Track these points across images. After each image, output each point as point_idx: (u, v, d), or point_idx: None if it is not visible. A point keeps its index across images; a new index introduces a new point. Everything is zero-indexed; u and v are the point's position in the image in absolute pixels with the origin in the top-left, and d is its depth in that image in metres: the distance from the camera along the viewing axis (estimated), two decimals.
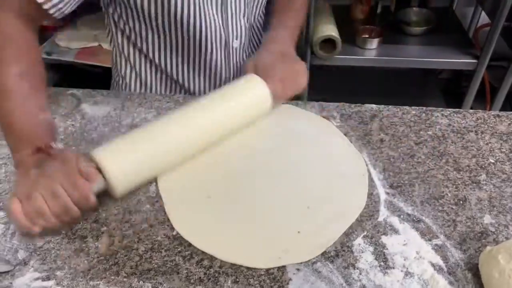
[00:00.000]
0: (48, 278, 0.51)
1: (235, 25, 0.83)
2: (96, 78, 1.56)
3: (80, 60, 1.59)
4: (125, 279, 0.51)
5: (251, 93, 0.68)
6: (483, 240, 0.54)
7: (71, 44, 1.62)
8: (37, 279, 0.51)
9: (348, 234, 0.55)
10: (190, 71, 0.86)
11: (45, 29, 1.66)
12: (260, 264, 0.52)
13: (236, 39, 0.84)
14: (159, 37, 0.81)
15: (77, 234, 0.56)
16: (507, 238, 0.54)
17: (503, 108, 1.60)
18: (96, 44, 1.63)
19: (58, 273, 0.52)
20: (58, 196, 0.51)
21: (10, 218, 0.53)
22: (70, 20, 1.69)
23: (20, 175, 0.56)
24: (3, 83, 0.60)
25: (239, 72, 0.89)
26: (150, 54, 0.84)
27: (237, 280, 0.50)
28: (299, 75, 0.75)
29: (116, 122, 0.75)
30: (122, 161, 0.57)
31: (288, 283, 0.50)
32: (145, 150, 0.59)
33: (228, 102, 0.67)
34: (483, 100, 1.75)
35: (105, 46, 1.61)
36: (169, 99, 0.79)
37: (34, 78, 0.64)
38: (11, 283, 0.51)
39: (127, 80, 0.89)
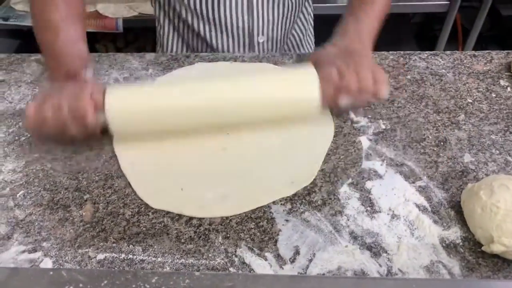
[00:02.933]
0: (34, 250, 0.50)
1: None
2: None
3: None
4: (114, 245, 0.50)
5: (293, 84, 0.59)
6: (464, 178, 0.55)
7: (28, 7, 1.52)
8: (23, 252, 0.50)
9: (334, 182, 0.56)
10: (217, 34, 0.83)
11: None
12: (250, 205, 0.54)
13: (262, 34, 0.81)
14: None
15: (59, 203, 0.55)
16: (487, 175, 0.55)
17: (475, 49, 1.62)
18: None
19: (44, 244, 0.51)
20: (60, 109, 0.56)
21: (25, 118, 0.57)
22: None
23: (45, 88, 0.63)
24: (47, 11, 0.64)
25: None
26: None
27: (228, 235, 0.51)
28: (366, 80, 0.58)
29: None
30: (124, 100, 0.58)
31: (278, 234, 0.50)
32: (152, 101, 0.58)
33: (257, 86, 0.59)
34: (456, 42, 1.76)
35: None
36: (140, 58, 0.76)
37: (74, 9, 0.66)
38: None
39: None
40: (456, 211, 0.52)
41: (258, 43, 0.82)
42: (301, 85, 0.59)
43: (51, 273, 0.37)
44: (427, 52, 0.75)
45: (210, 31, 0.81)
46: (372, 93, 0.58)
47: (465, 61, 0.73)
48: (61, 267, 0.48)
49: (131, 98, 0.59)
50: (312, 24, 0.97)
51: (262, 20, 0.80)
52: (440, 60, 0.73)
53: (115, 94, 0.58)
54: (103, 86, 0.58)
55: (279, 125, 0.62)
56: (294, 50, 0.93)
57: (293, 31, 0.91)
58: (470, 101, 0.66)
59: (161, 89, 0.61)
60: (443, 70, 0.71)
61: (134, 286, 0.36)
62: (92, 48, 0.88)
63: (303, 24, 0.92)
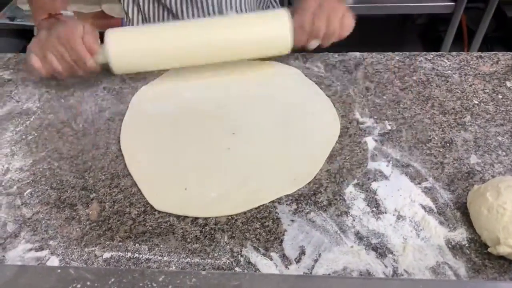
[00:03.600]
0: (41, 248, 0.50)
1: None
2: None
3: None
4: (120, 243, 0.50)
5: (268, 21, 0.68)
6: (470, 180, 0.55)
7: None
8: (30, 250, 0.50)
9: (339, 183, 0.56)
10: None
11: None
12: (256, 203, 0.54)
13: (231, 9, 0.83)
14: None
15: (66, 202, 0.55)
16: (493, 176, 0.55)
17: (480, 51, 1.61)
18: None
19: (51, 242, 0.51)
20: (63, 57, 0.64)
21: (32, 70, 0.67)
22: None
23: (36, 36, 0.67)
24: None
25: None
26: None
27: (233, 235, 0.51)
28: (333, 25, 0.67)
29: (93, 86, 0.72)
30: (124, 38, 0.67)
31: (283, 234, 0.51)
32: (148, 38, 0.67)
33: (240, 24, 0.68)
34: (461, 43, 1.76)
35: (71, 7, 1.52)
36: None
37: None
38: (3, 256, 0.50)
39: (130, 16, 0.89)
40: (462, 213, 0.52)
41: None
42: (274, 30, 0.68)
43: (59, 271, 0.37)
44: (433, 53, 0.75)
45: (181, 4, 0.82)
46: (337, 37, 0.68)
47: (471, 62, 0.73)
48: (68, 265, 0.49)
49: (129, 37, 0.67)
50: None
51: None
52: (446, 61, 0.73)
53: (114, 35, 0.66)
54: (87, 27, 0.65)
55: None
56: None
57: None
58: (476, 102, 0.66)
59: (155, 28, 0.70)
60: (449, 71, 0.71)
61: (141, 284, 0.36)
62: None
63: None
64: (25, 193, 0.56)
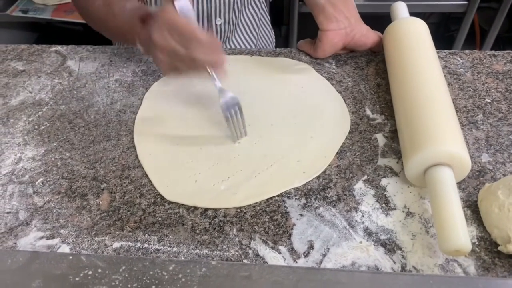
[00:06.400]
0: (52, 237, 0.51)
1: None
2: (77, 37, 1.50)
3: (58, 17, 1.52)
4: (130, 234, 0.51)
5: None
6: (481, 178, 0.55)
7: (47, 1, 1.54)
8: (41, 238, 0.51)
9: (349, 178, 0.56)
10: None
11: None
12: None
13: (220, 17, 0.82)
14: None
15: (77, 192, 0.56)
16: (504, 175, 0.55)
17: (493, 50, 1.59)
18: None
19: (62, 231, 0.51)
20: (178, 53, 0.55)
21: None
22: None
23: (144, 47, 0.61)
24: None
25: None
26: None
27: (242, 228, 0.51)
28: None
29: (105, 78, 0.73)
30: None
31: (292, 228, 0.51)
32: None
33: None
34: (473, 43, 1.74)
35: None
36: None
37: None
38: (15, 243, 0.50)
39: None
40: (473, 211, 0.51)
41: (216, 25, 0.84)
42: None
43: (71, 257, 0.38)
44: (445, 51, 0.74)
45: None
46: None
47: (484, 60, 0.72)
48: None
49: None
50: (265, 2, 0.98)
51: (219, 2, 0.81)
52: (459, 59, 0.72)
53: None
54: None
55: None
56: (251, 30, 0.94)
57: (248, 11, 0.91)
58: (489, 101, 0.65)
59: None
60: (462, 69, 0.71)
61: (151, 273, 0.36)
62: (109, 42, 0.89)
63: (255, 3, 0.93)
64: (37, 182, 0.57)
